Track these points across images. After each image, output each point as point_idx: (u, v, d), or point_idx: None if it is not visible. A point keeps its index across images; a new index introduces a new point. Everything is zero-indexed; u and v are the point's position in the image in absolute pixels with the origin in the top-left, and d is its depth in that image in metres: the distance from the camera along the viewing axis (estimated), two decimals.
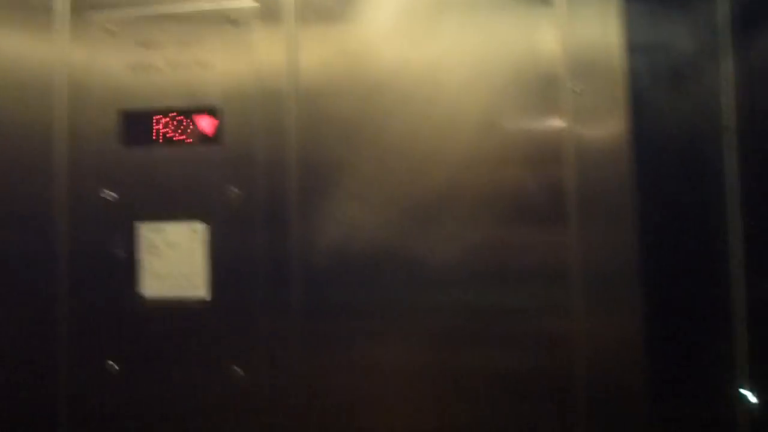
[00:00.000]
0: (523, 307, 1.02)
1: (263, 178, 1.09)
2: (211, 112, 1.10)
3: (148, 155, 1.12)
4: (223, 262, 1.09)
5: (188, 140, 1.11)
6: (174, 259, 1.10)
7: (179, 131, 1.11)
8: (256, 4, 1.11)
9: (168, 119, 1.11)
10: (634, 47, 1.04)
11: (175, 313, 1.10)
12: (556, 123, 1.01)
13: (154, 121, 1.11)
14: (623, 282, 0.99)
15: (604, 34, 1.01)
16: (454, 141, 1.04)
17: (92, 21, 1.15)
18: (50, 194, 1.15)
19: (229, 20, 1.11)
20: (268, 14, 1.11)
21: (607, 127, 1.01)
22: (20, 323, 1.16)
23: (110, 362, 1.11)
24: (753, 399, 1.11)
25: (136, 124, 1.12)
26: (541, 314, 1.01)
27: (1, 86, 1.18)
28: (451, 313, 1.03)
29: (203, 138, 1.10)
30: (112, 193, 1.13)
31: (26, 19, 1.18)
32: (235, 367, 1.07)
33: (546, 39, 1.03)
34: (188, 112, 1.11)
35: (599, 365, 0.99)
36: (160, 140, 1.11)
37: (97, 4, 1.15)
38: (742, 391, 1.12)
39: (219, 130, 1.10)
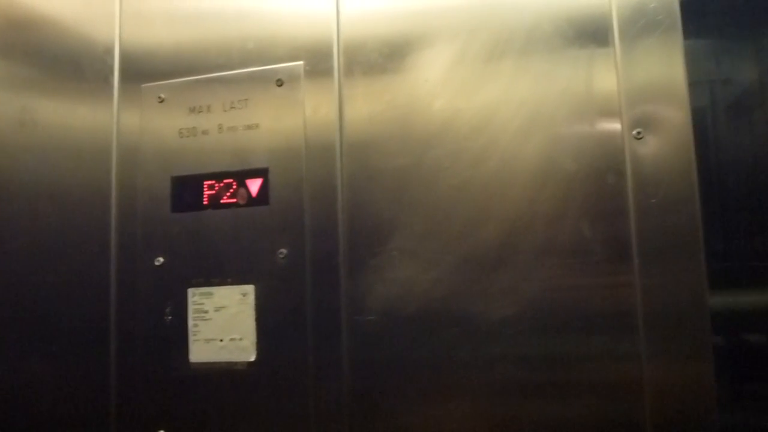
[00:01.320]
0: (587, 355, 0.95)
1: (312, 237, 1.06)
2: (259, 173, 1.09)
3: (198, 220, 1.11)
4: (271, 325, 1.06)
5: (237, 203, 1.09)
6: (222, 323, 1.08)
7: (228, 194, 1.10)
8: (301, 63, 1.10)
9: (216, 182, 1.10)
10: (693, 83, 1.00)
11: (224, 377, 1.07)
12: (617, 165, 0.97)
13: (205, 186, 1.11)
14: (693, 324, 0.92)
15: (664, 72, 0.97)
16: (510, 191, 1.00)
17: (143, 90, 1.17)
18: (104, 260, 1.15)
19: (276, 81, 1.11)
20: (315, 72, 1.10)
21: (671, 166, 0.95)
22: (72, 389, 1.15)
23: (161, 431, 1.09)
24: None
25: (186, 189, 1.12)
26: (607, 362, 0.95)
27: (60, 155, 1.20)
28: (511, 366, 0.98)
29: (252, 200, 1.09)
30: (161, 259, 1.12)
31: (81, 90, 1.21)
32: None
33: (603, 81, 0.99)
34: (237, 175, 1.10)
35: (669, 414, 0.92)
36: (210, 204, 1.10)
37: (148, 73, 1.18)
38: None
39: (267, 191, 1.08)
